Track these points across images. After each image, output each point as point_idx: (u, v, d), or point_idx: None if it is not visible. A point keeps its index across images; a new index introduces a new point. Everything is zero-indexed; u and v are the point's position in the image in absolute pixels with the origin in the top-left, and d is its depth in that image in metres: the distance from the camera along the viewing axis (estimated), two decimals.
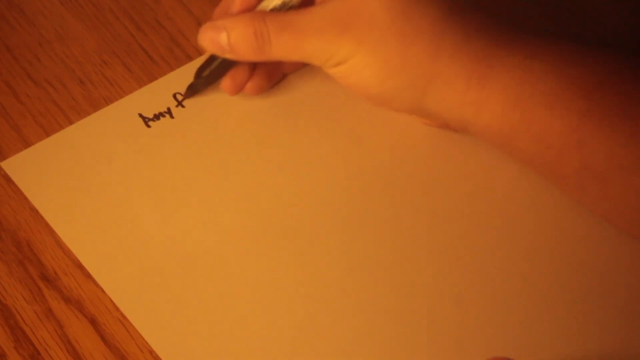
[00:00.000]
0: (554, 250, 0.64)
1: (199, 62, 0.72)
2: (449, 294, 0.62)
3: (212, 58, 0.68)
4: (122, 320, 0.62)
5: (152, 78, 0.72)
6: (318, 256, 0.64)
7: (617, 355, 0.60)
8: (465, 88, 0.62)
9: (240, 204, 0.66)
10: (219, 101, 0.71)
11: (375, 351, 0.60)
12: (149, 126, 0.70)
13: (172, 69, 0.73)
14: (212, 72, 0.69)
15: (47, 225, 0.65)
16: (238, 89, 0.69)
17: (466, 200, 0.66)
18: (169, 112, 0.70)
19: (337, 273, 0.63)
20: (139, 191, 0.67)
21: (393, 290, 0.63)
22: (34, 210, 0.66)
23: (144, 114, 0.70)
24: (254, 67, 0.69)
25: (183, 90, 0.71)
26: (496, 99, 0.61)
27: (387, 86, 0.63)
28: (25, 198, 0.67)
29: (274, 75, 0.70)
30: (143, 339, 0.61)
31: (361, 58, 0.62)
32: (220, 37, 0.65)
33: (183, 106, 0.71)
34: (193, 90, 0.70)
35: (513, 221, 0.65)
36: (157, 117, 0.70)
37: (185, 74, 0.72)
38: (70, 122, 0.70)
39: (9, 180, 0.67)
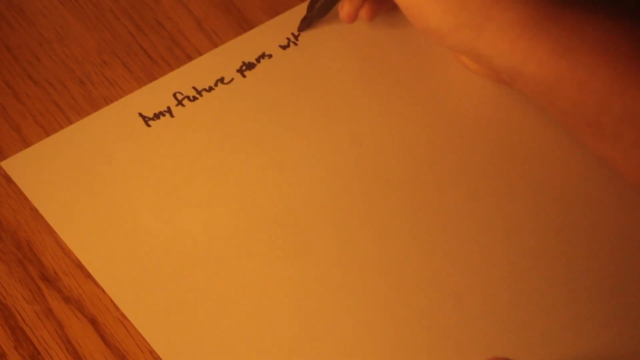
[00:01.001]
0: (554, 250, 0.64)
1: (199, 61, 0.73)
2: (448, 294, 0.62)
3: None
4: (122, 320, 0.62)
5: (152, 78, 0.72)
6: (317, 255, 0.64)
7: (617, 355, 0.60)
8: (518, 35, 0.63)
9: (240, 203, 0.66)
10: (219, 101, 0.71)
11: (374, 350, 0.61)
12: (149, 125, 0.70)
13: (172, 69, 0.73)
14: (323, 3, 0.73)
15: (47, 225, 0.65)
16: (355, 15, 0.73)
17: (466, 199, 0.66)
18: (169, 111, 0.70)
19: (337, 273, 0.63)
20: (139, 191, 0.67)
21: (393, 290, 0.63)
22: (34, 210, 0.66)
23: (144, 114, 0.70)
24: None
25: (183, 89, 0.71)
26: (545, 47, 0.62)
27: (444, 21, 0.65)
28: (25, 198, 0.67)
29: (384, 1, 0.73)
30: (143, 338, 0.61)
31: None
32: None
33: (183, 105, 0.71)
34: (307, 22, 0.74)
35: (513, 220, 0.65)
36: (157, 116, 0.70)
37: (185, 74, 0.72)
38: (70, 122, 0.70)
39: (9, 180, 0.67)
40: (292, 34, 0.74)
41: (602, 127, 0.62)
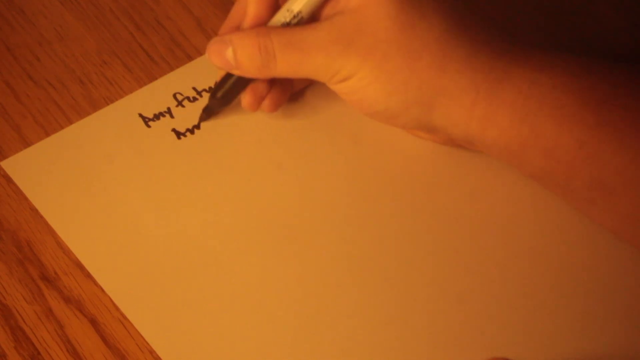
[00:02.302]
0: (554, 250, 0.64)
1: (199, 61, 0.73)
2: (449, 294, 0.62)
3: (226, 78, 0.67)
4: (122, 320, 0.62)
5: (152, 78, 0.72)
6: (319, 256, 0.64)
7: (617, 355, 0.60)
8: (472, 103, 0.61)
9: (240, 204, 0.66)
10: None
11: (376, 350, 0.60)
12: (149, 126, 0.70)
13: (172, 69, 0.73)
14: (227, 93, 0.68)
15: (47, 225, 0.65)
16: (258, 105, 0.67)
17: (468, 200, 0.66)
18: (169, 112, 0.70)
19: (337, 273, 0.63)
20: (139, 191, 0.67)
21: (394, 290, 0.63)
22: (34, 210, 0.66)
23: (144, 114, 0.70)
24: (271, 83, 0.67)
25: (183, 90, 0.71)
26: (503, 113, 0.61)
27: (392, 102, 0.62)
28: (25, 198, 0.67)
29: (287, 90, 0.69)
30: (143, 338, 0.61)
31: (366, 74, 0.62)
32: (227, 52, 0.64)
33: (183, 106, 0.71)
34: (209, 112, 0.69)
35: (514, 221, 0.65)
36: (157, 117, 0.70)
37: (185, 74, 0.72)
38: (70, 122, 0.70)
39: (9, 180, 0.67)
40: None
41: (574, 192, 0.61)
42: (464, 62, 0.61)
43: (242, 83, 0.67)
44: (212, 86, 0.71)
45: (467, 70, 0.61)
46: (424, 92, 0.62)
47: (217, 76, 0.68)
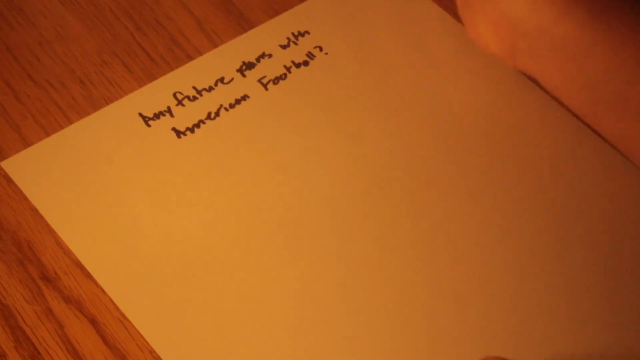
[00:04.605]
0: (553, 249, 0.64)
1: (199, 61, 0.73)
2: (448, 293, 0.62)
3: None
4: (122, 320, 0.62)
5: (152, 78, 0.72)
6: (318, 255, 0.64)
7: (617, 355, 0.60)
8: None
9: (240, 203, 0.66)
10: (219, 101, 0.71)
11: (374, 350, 0.61)
12: (149, 125, 0.70)
13: (172, 69, 0.73)
14: None
15: (47, 225, 0.65)
16: None
17: (465, 199, 0.66)
18: (169, 111, 0.70)
19: (337, 272, 0.63)
20: (139, 191, 0.67)
21: (392, 289, 0.63)
22: (34, 210, 0.66)
23: (144, 114, 0.70)
24: None
25: (183, 89, 0.71)
26: (584, 7, 0.61)
27: None
28: (25, 198, 0.67)
29: None
30: (143, 338, 0.61)
31: None
32: None
33: (183, 105, 0.71)
34: None
35: (512, 220, 0.65)
36: (157, 116, 0.70)
37: (185, 74, 0.72)
38: (70, 122, 0.70)
39: (9, 180, 0.67)
40: (292, 33, 0.74)
41: (627, 101, 0.60)
42: None
43: None
44: (213, 85, 0.71)
45: None
46: None
47: None
